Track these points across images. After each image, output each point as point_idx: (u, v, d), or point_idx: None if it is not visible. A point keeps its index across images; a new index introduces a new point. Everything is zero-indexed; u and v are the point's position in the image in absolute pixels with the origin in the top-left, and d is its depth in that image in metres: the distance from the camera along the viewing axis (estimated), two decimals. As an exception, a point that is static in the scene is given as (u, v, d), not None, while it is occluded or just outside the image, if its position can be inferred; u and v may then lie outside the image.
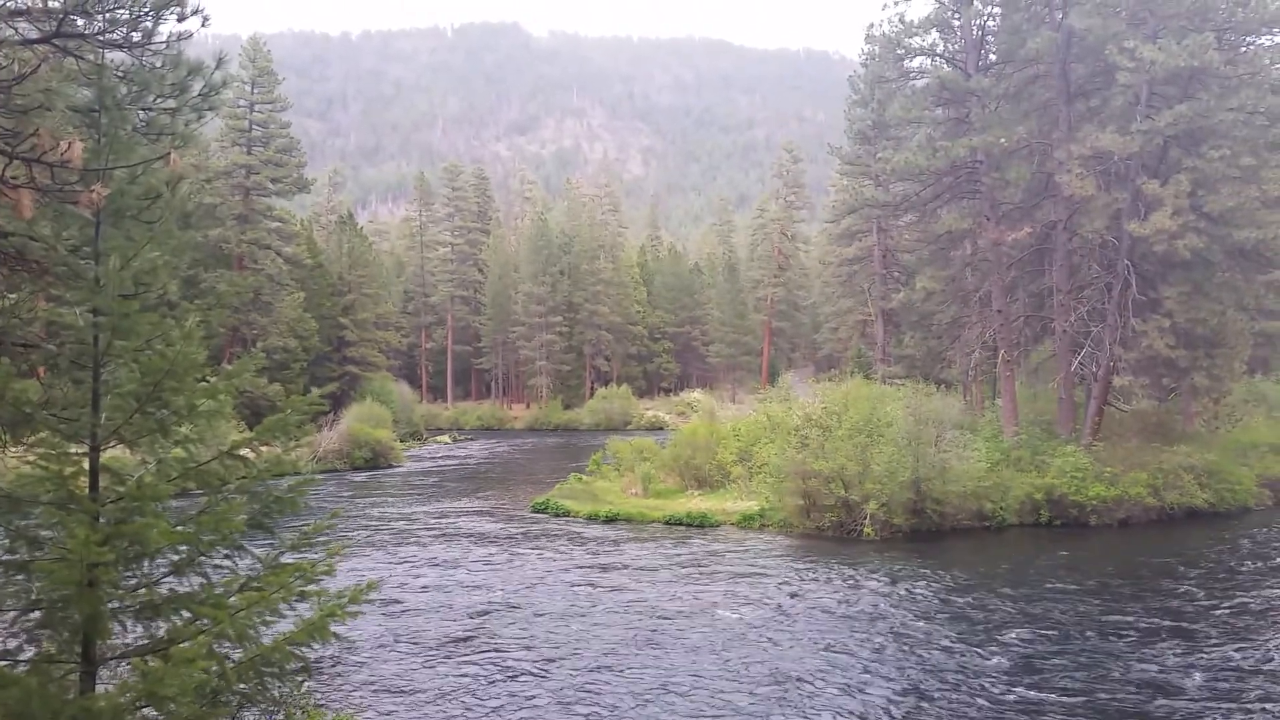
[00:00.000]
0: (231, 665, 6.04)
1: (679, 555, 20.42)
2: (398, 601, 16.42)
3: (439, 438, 58.08)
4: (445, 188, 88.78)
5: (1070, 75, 28.63)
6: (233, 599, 6.18)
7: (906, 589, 17.08)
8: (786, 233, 79.94)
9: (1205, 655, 12.95)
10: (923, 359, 38.27)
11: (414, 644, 13.98)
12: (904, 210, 36.91)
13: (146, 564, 6.00)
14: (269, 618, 6.32)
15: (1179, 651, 13.11)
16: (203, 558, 6.12)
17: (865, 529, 21.86)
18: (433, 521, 25.54)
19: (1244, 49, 27.44)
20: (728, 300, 78.79)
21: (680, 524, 24.32)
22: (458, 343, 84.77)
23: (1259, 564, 19.23)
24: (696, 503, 26.37)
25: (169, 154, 5.63)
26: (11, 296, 7.02)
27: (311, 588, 6.35)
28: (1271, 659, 12.80)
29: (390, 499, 30.66)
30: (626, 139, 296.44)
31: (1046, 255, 30.38)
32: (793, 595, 16.67)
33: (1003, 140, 27.99)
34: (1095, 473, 24.29)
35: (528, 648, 13.73)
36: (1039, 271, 31.86)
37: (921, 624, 14.78)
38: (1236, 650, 13.19)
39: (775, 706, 11.17)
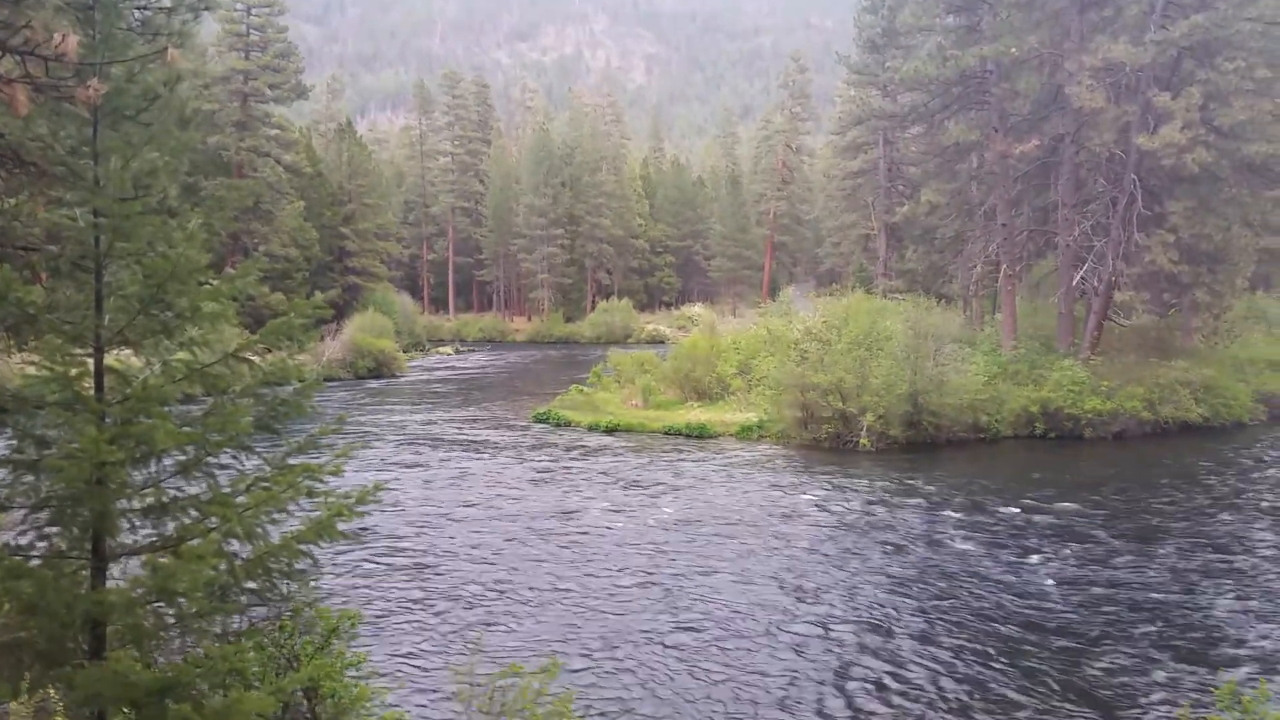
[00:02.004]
0: (240, 563, 6.21)
1: (678, 464, 20.74)
2: (397, 507, 16.74)
3: (441, 349, 58.28)
4: (445, 96, 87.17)
5: (1085, -18, 27.84)
6: (240, 498, 6.31)
7: (899, 498, 17.41)
8: (791, 145, 78.71)
9: (1184, 563, 13.28)
10: (924, 273, 38.17)
11: (413, 548, 14.33)
12: (911, 121, 36.31)
13: (154, 464, 6.12)
14: (277, 517, 6.47)
15: (1159, 561, 13.44)
16: (210, 458, 6.23)
17: (861, 440, 22.15)
18: (436, 430, 25.84)
19: (1265, -45, 26.61)
20: (730, 214, 78.07)
21: (680, 434, 24.62)
22: (459, 254, 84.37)
23: (1245, 478, 19.53)
24: (696, 414, 26.63)
25: (166, 50, 5.53)
26: (11, 200, 7.01)
27: (319, 487, 6.48)
28: (1240, 567, 13.14)
29: (394, 407, 30.96)
30: (629, 46, 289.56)
31: (1053, 169, 30.01)
32: (789, 503, 17.00)
33: (1013, 50, 27.38)
34: (1092, 386, 24.48)
35: (529, 556, 14.07)
36: (1045, 185, 31.51)
37: (910, 530, 15.10)
38: (1214, 555, 13.52)
39: (779, 611, 11.50)
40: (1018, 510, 16.38)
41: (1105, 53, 25.10)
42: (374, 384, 38.88)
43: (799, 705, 8.86)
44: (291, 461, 6.63)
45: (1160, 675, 9.50)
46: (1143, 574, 12.79)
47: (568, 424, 26.37)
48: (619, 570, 13.10)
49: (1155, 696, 9.00)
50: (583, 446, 23.03)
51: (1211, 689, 7.08)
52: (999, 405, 24.29)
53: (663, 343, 58.40)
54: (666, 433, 24.87)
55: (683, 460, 21.22)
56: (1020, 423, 24.24)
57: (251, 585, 6.59)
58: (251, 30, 48.36)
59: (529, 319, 78.57)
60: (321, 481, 6.12)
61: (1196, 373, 25.57)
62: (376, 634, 10.49)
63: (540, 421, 27.00)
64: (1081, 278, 27.63)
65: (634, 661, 9.90)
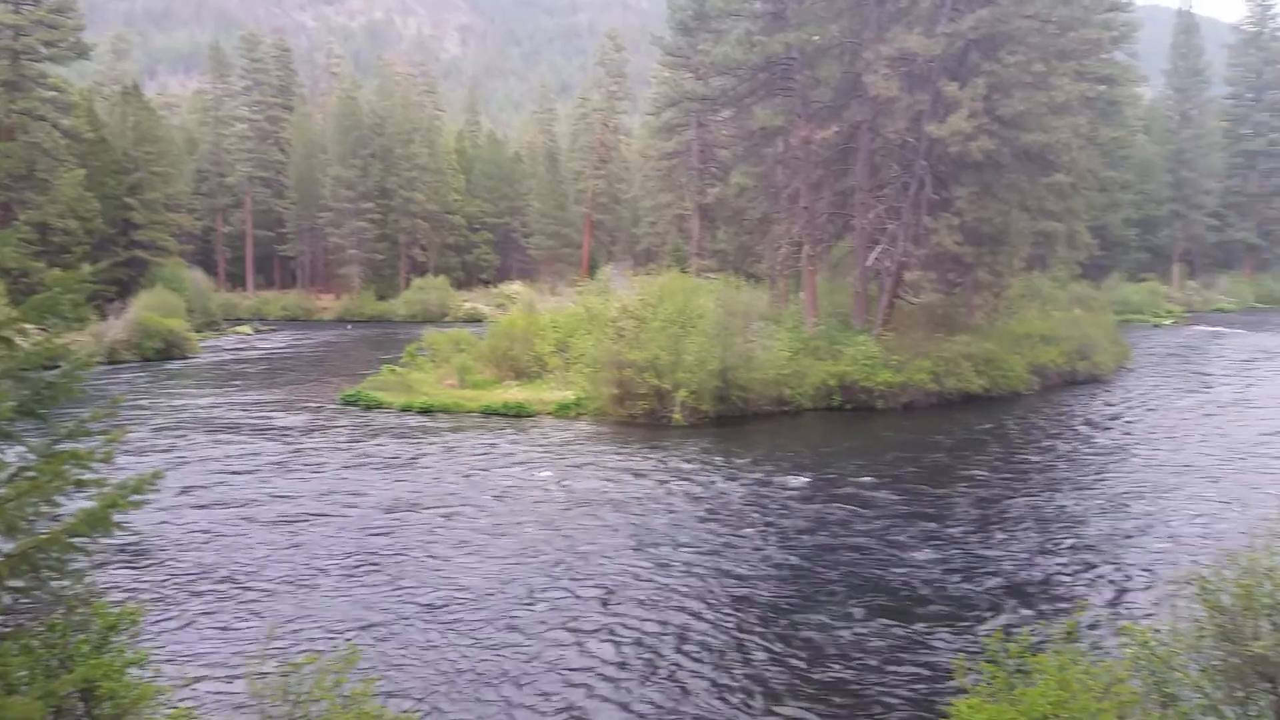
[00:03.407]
0: (1, 558, 5.67)
1: (494, 442, 20.57)
2: (182, 497, 15.79)
3: (239, 328, 55.13)
4: (243, 59, 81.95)
5: (882, -25, 29.28)
6: (1, 489, 5.76)
7: (708, 468, 17.98)
8: (609, 124, 79.07)
9: (958, 523, 14.42)
10: (735, 253, 39.41)
11: (205, 536, 13.56)
12: (722, 105, 37.25)
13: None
14: (44, 509, 5.94)
15: (939, 521, 14.53)
16: (-38, 446, 5.65)
17: (675, 416, 22.67)
18: (230, 415, 24.50)
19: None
20: (548, 191, 77.69)
21: (497, 414, 24.41)
22: (258, 227, 79.79)
23: (1016, 444, 21.38)
24: (514, 393, 26.47)
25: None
26: None
27: (89, 476, 5.99)
28: (1005, 525, 14.41)
29: (185, 391, 29.10)
30: (443, 15, 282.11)
31: (852, 154, 31.52)
32: (603, 476, 17.20)
33: (816, 37, 28.53)
34: (884, 360, 26.07)
35: (334, 538, 13.61)
36: (845, 170, 33.07)
37: (716, 499, 15.63)
38: (981, 508, 14.76)
39: (579, 576, 11.61)
40: (807, 480, 17.24)
41: (900, 42, 26.55)
42: (166, 366, 36.35)
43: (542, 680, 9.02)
44: (59, 449, 6.11)
45: (919, 626, 10.26)
46: (919, 534, 13.77)
47: (379, 406, 25.60)
48: (429, 555, 12.88)
49: (928, 652, 9.72)
50: (394, 428, 22.44)
51: (975, 641, 7.70)
52: (801, 379, 25.46)
53: (481, 321, 57.48)
54: (484, 412, 24.60)
55: (498, 439, 21.07)
56: (820, 395, 25.49)
57: (17, 582, 6.04)
58: (20, -20, 43.75)
59: (337, 297, 75.41)
60: (90, 470, 5.66)
61: (978, 347, 27.66)
62: (161, 630, 9.87)
63: (349, 404, 26.08)
64: (875, 258, 29.27)
65: (422, 643, 9.78)
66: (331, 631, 9.96)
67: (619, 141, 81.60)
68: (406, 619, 10.43)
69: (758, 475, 17.55)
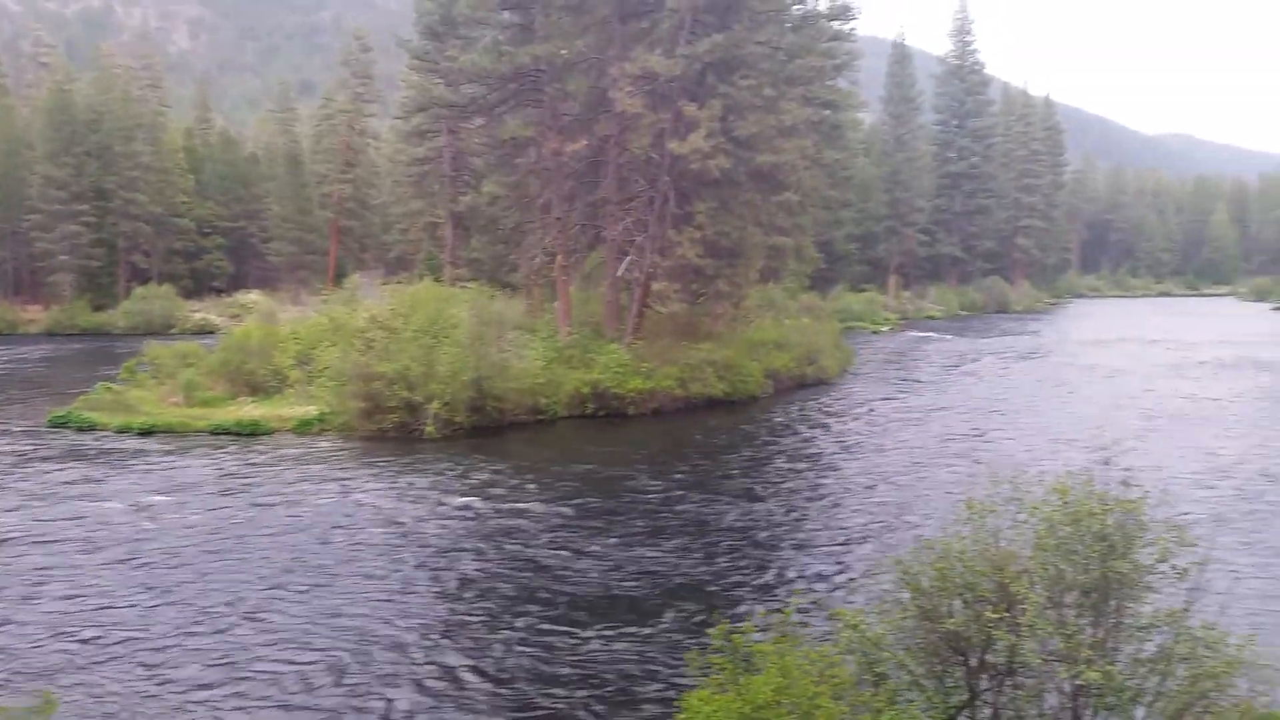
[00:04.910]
0: None
1: (221, 465, 19.23)
2: None
3: (-76, 344, 48.26)
4: (-77, 37, 71.94)
5: (626, -6, 30.11)
6: None
7: (458, 483, 17.73)
8: (355, 126, 76.11)
9: (701, 520, 15.10)
10: (489, 262, 39.18)
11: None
12: (473, 113, 36.94)
13: None
14: None
15: (678, 514, 15.14)
16: None
17: (428, 428, 22.17)
18: (-89, 442, 21.39)
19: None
20: (290, 195, 73.74)
21: (229, 433, 22.83)
22: (-51, 230, 70.18)
23: (751, 443, 22.70)
24: (249, 410, 24.86)
25: None
26: None
27: None
28: (741, 522, 15.29)
29: None
30: (170, 6, 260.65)
31: (602, 167, 32.23)
32: (341, 496, 16.51)
33: (564, 52, 28.92)
34: (634, 368, 26.85)
35: (19, 576, 12.21)
36: (595, 183, 33.73)
37: (467, 514, 15.44)
38: (718, 509, 15.55)
39: (304, 598, 11.09)
40: (541, 494, 17.44)
41: (643, 62, 27.45)
42: None
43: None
44: None
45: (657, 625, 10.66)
46: (646, 539, 14.28)
47: (93, 427, 23.23)
48: (125, 590, 11.83)
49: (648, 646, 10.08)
50: (110, 452, 20.45)
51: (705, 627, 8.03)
52: (556, 388, 25.69)
53: (213, 333, 53.64)
54: (214, 432, 22.92)
55: (222, 461, 19.70)
56: (574, 403, 25.84)
57: None
58: None
59: (46, 307, 67.60)
60: None
61: (719, 354, 29.09)
62: None
63: (59, 425, 23.50)
64: (625, 269, 30.09)
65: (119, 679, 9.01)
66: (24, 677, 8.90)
67: (367, 145, 78.81)
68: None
69: (498, 489, 17.39)
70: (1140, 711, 6.51)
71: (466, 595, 11.56)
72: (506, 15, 32.20)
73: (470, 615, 10.89)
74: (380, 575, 12.31)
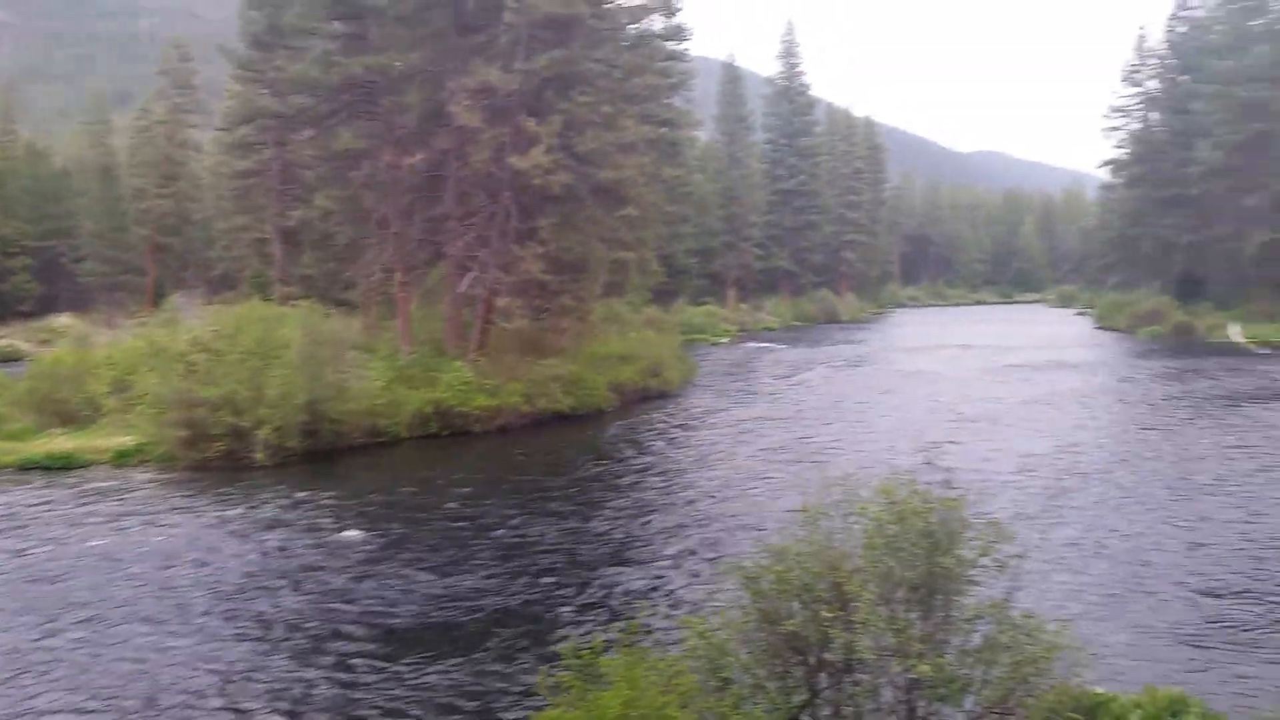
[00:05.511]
0: None
1: (22, 501, 17.71)
2: None
3: None
4: None
5: (464, 6, 29.72)
6: None
7: (279, 513, 16.88)
8: (175, 138, 72.09)
9: (543, 538, 14.99)
10: (322, 279, 37.81)
11: None
12: (302, 124, 35.62)
13: None
14: None
15: (525, 536, 14.98)
16: None
17: (258, 455, 21.07)
18: None
19: (608, 5, 31.08)
20: (103, 211, 69.01)
21: (37, 467, 21.06)
22: None
23: (598, 456, 22.77)
24: (60, 442, 22.98)
25: None
26: None
27: None
28: (589, 535, 15.30)
29: None
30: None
31: (441, 182, 31.65)
32: (145, 531, 15.48)
33: (398, 64, 28.31)
34: (479, 385, 26.44)
35: None
36: (435, 197, 33.07)
37: (282, 546, 14.75)
38: (583, 521, 15.50)
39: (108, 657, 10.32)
40: (386, 512, 16.95)
41: (481, 76, 27.18)
42: None
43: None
44: None
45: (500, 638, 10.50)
46: (491, 563, 14.09)
47: None
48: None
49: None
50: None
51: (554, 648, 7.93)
52: (397, 409, 24.96)
53: (19, 360, 49.51)
54: (21, 467, 21.10)
55: (24, 497, 18.15)
56: (417, 424, 25.17)
57: None
58: None
59: None
60: None
61: (565, 368, 29.03)
62: None
63: None
64: (468, 285, 29.64)
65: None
66: None
67: (188, 157, 74.78)
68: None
69: (322, 518, 16.53)
70: (970, 700, 6.82)
71: (272, 634, 10.96)
72: (337, 25, 31.24)
73: (272, 654, 10.33)
74: (177, 616, 11.53)
